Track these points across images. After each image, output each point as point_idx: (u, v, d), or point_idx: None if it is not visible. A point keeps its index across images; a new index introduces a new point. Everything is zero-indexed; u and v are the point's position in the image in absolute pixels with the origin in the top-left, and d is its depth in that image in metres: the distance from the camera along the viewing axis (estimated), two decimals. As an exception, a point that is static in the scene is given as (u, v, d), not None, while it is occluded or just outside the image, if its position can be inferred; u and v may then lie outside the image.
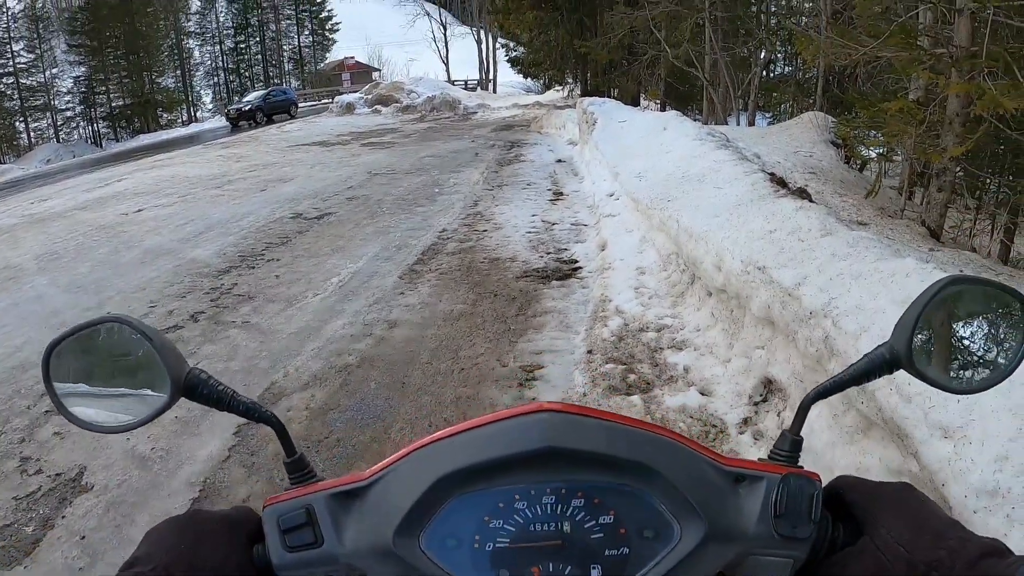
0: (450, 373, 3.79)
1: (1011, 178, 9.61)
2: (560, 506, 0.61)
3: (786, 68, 26.53)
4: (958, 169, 8.08)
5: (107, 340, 0.76)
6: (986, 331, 0.87)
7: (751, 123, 19.59)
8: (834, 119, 13.13)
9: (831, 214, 3.91)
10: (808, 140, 12.20)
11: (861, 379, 0.77)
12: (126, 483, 3.04)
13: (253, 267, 6.24)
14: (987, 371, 0.83)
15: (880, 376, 0.76)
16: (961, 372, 0.85)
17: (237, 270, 6.18)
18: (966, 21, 7.01)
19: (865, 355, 0.76)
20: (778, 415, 2.97)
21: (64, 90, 41.72)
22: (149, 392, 0.73)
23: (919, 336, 0.77)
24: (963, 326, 0.87)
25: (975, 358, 0.86)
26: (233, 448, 3.22)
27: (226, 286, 5.72)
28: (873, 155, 11.68)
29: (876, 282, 2.67)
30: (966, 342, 0.88)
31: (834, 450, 2.37)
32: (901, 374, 0.75)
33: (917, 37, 8.38)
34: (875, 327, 2.38)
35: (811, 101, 18.70)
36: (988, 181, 9.91)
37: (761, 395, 3.14)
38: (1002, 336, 0.85)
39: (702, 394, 3.33)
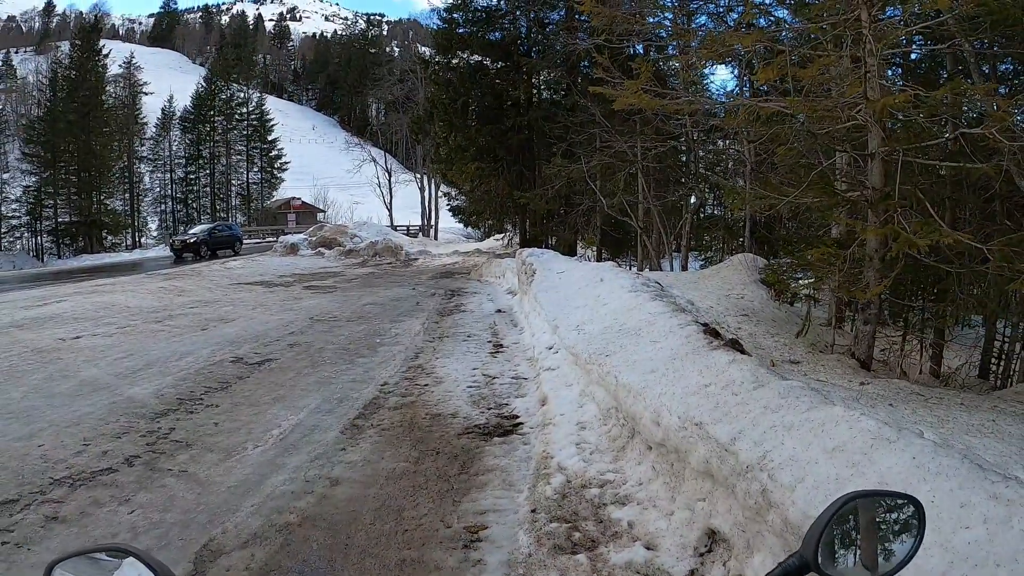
0: (394, 534, 3.79)
1: (933, 300, 10.34)
2: None
3: (715, 210, 27.97)
4: (883, 299, 8.66)
5: (110, 569, 0.74)
6: (885, 529, 1.04)
7: (684, 267, 20.63)
8: (763, 259, 13.99)
9: (762, 365, 4.16)
10: (739, 282, 12.85)
11: None
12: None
13: (192, 412, 6.15)
14: (889, 563, 0.98)
15: None
16: (866, 568, 1.00)
17: (175, 413, 6.08)
18: (879, 164, 7.70)
19: (779, 563, 0.93)
20: (724, 564, 3.04)
21: (12, 197, 41.22)
22: None
23: (825, 543, 0.92)
24: (864, 529, 1.03)
25: (877, 554, 1.03)
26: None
27: (163, 430, 5.61)
28: (801, 293, 12.39)
29: (808, 432, 2.86)
30: (868, 542, 1.03)
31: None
32: None
33: (834, 183, 9.18)
34: (809, 478, 2.54)
35: (740, 241, 19.95)
36: (913, 305, 10.64)
37: (706, 546, 3.24)
38: (899, 530, 1.03)
39: (648, 548, 3.39)
